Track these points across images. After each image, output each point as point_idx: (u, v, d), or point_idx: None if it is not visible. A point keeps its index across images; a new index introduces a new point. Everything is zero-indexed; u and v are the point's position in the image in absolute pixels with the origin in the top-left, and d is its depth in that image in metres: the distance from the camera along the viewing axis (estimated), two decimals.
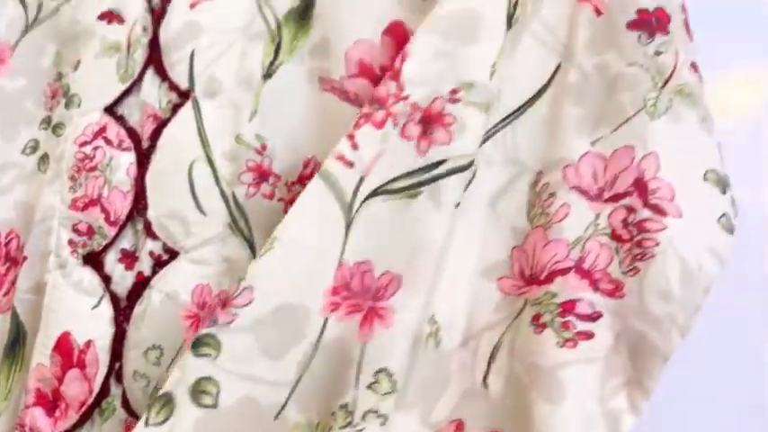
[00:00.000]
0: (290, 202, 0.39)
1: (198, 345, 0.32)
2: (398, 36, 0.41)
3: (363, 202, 0.34)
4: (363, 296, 0.33)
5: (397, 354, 0.32)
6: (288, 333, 0.33)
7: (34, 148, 0.45)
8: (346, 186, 0.34)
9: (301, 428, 0.32)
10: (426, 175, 0.34)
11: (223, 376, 0.32)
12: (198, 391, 0.32)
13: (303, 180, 0.40)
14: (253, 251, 0.39)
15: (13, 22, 0.46)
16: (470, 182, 0.35)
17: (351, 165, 0.34)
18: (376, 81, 0.40)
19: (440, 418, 0.34)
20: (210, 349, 0.32)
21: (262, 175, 0.40)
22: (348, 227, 0.34)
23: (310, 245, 0.34)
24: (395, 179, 0.34)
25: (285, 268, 0.33)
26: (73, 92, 0.43)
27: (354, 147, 0.35)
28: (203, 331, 0.32)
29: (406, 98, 0.35)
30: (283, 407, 0.32)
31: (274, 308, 0.33)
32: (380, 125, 0.35)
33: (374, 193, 0.34)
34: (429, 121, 0.34)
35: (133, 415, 0.38)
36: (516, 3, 0.36)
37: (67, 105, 0.44)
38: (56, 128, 0.44)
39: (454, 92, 0.35)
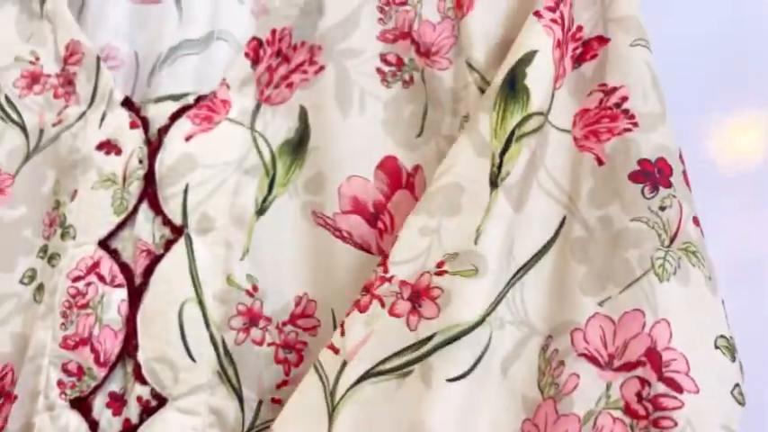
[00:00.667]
0: (282, 345, 0.39)
1: None
2: (391, 171, 0.40)
3: (352, 387, 0.33)
4: None
5: None
6: None
7: (32, 278, 0.45)
8: (329, 373, 0.34)
9: None
10: (417, 353, 0.33)
11: None
12: None
13: (295, 320, 0.39)
14: (241, 402, 0.38)
15: (15, 151, 0.47)
16: (485, 350, 0.33)
17: (336, 351, 0.34)
18: (369, 218, 0.40)
19: None
20: None
21: (252, 320, 0.39)
22: (332, 414, 0.33)
23: None
24: (385, 359, 0.33)
25: None
26: (69, 222, 0.43)
27: (342, 334, 0.35)
28: None
29: (390, 279, 0.35)
30: None
31: None
32: (365, 308, 0.35)
33: (365, 376, 0.33)
34: (417, 297, 0.34)
35: None
36: (501, 163, 0.35)
37: (63, 236, 0.43)
38: (51, 258, 0.44)
39: (440, 265, 0.34)
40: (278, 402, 0.38)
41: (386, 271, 0.35)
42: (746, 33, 0.48)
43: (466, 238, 0.34)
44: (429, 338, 0.33)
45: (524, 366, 0.34)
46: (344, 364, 0.33)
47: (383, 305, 0.34)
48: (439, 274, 0.34)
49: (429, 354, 0.32)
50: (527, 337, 0.34)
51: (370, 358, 0.33)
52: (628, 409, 0.32)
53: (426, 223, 0.35)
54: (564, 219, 0.36)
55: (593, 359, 0.33)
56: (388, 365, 0.33)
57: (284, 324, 0.39)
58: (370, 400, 0.33)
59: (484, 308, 0.33)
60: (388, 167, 0.40)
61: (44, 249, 0.45)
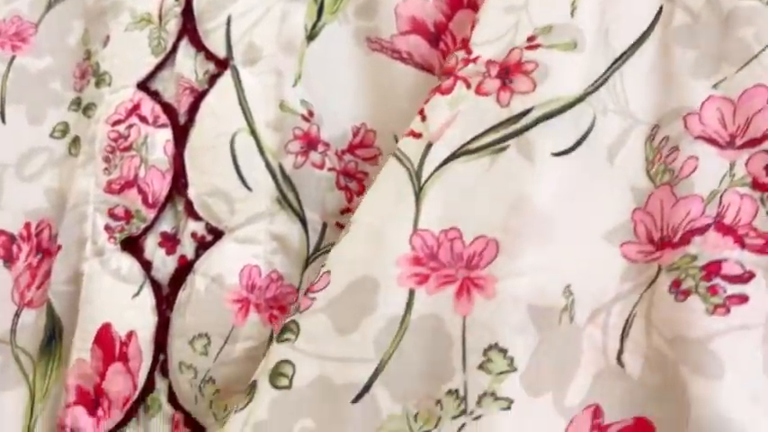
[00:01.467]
0: (343, 172, 0.36)
1: (282, 332, 0.31)
2: None
3: (440, 167, 0.30)
4: (455, 266, 0.29)
5: (509, 327, 0.28)
6: (358, 305, 0.29)
7: (64, 132, 0.42)
8: (413, 156, 0.31)
9: (397, 420, 0.28)
10: (512, 128, 0.30)
11: (299, 358, 0.30)
12: (276, 373, 0.30)
13: (353, 149, 0.37)
14: (304, 226, 0.35)
15: (36, 1, 0.44)
16: (590, 129, 0.31)
17: (419, 136, 0.32)
18: (430, 38, 0.37)
19: (573, 404, 0.29)
20: (291, 334, 0.30)
21: (310, 144, 0.36)
22: (418, 194, 0.30)
23: (381, 219, 0.31)
24: (475, 138, 0.30)
25: (358, 245, 0.31)
26: (103, 69, 0.41)
27: (423, 119, 0.32)
28: (288, 318, 0.31)
29: (476, 60, 0.32)
30: (365, 390, 0.28)
31: (347, 285, 0.30)
32: (448, 91, 0.32)
33: (452, 157, 0.30)
34: (507, 73, 0.31)
35: (180, 410, 0.35)
36: None
37: (98, 84, 0.41)
38: (86, 109, 0.42)
39: (531, 39, 0.31)
40: (342, 228, 0.35)
41: (469, 52, 0.32)
42: None
43: (560, 10, 0.31)
44: (526, 112, 0.30)
45: (630, 156, 0.31)
46: (429, 145, 0.31)
47: (468, 86, 0.31)
48: (531, 48, 0.31)
49: (528, 128, 0.30)
50: (630, 127, 0.32)
51: (459, 138, 0.31)
52: (756, 184, 0.29)
53: (510, 2, 0.32)
54: (660, 8, 0.33)
55: (711, 140, 0.30)
56: (478, 143, 0.30)
57: (343, 152, 0.37)
58: (462, 178, 0.30)
59: (584, 86, 0.30)
60: None
61: (77, 102, 0.42)
